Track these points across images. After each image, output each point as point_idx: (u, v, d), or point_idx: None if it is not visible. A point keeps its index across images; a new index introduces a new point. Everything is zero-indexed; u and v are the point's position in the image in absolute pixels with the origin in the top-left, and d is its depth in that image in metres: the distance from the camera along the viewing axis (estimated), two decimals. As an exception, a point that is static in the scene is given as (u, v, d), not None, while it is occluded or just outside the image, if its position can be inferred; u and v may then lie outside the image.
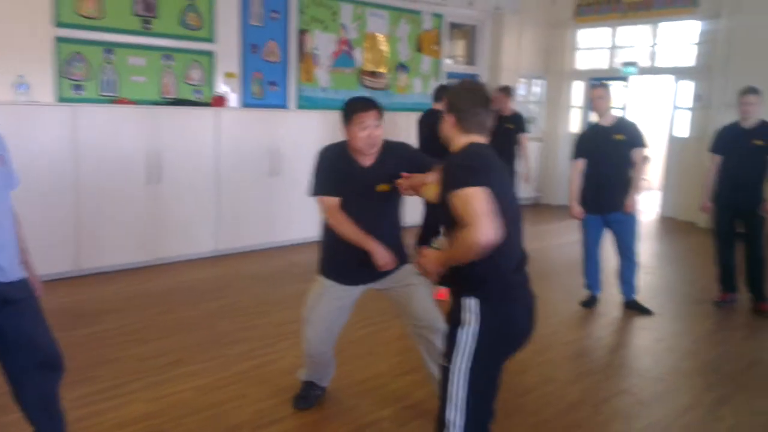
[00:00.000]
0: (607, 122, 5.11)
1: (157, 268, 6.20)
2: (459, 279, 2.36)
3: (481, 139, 2.40)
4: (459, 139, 2.40)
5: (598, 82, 5.38)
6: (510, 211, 2.31)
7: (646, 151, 5.23)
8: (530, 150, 7.16)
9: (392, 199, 3.22)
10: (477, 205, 2.15)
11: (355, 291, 3.29)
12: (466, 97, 2.41)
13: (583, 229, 5.30)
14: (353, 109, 3.07)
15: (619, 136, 5.04)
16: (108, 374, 3.77)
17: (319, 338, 3.31)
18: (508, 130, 6.71)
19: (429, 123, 6.77)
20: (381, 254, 3.05)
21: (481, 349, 2.28)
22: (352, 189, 3.10)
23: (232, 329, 4.59)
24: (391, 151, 3.16)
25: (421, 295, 3.21)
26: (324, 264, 3.33)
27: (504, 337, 2.34)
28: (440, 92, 7.27)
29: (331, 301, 3.26)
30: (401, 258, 3.23)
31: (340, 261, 3.22)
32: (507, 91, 7.00)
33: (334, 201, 3.13)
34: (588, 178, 5.19)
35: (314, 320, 3.29)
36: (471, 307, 2.29)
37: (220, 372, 3.85)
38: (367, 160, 3.13)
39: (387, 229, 3.19)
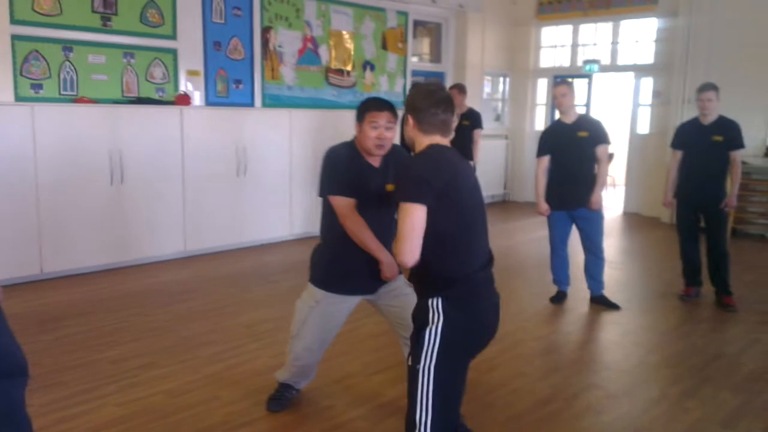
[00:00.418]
0: (570, 119, 5.17)
1: (124, 271, 6.09)
2: (424, 279, 2.37)
3: (442, 139, 2.41)
4: (421, 141, 2.41)
5: (561, 79, 5.43)
6: (473, 210, 2.34)
7: (610, 148, 5.31)
8: (480, 146, 7.32)
9: (393, 204, 3.19)
10: (408, 223, 2.21)
11: (353, 302, 3.21)
12: (424, 98, 2.41)
13: (550, 225, 5.36)
14: (367, 107, 3.06)
15: (583, 133, 5.10)
16: (76, 379, 3.68)
17: (309, 352, 3.23)
18: (464, 126, 6.81)
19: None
20: (391, 266, 3.02)
21: (446, 347, 2.28)
22: (365, 189, 3.02)
23: (202, 331, 4.53)
24: (394, 153, 3.13)
25: (413, 305, 3.17)
26: (321, 273, 3.18)
27: (469, 335, 2.34)
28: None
29: (326, 314, 3.15)
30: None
31: (345, 270, 3.11)
32: (460, 89, 7.12)
33: (350, 202, 3.01)
34: (553, 175, 5.25)
35: (305, 335, 3.19)
36: (436, 306, 2.30)
37: (190, 374, 3.79)
38: (376, 161, 3.09)
39: (388, 234, 3.16)
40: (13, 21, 5.80)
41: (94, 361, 3.96)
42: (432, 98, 2.40)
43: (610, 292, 5.43)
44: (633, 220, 9.48)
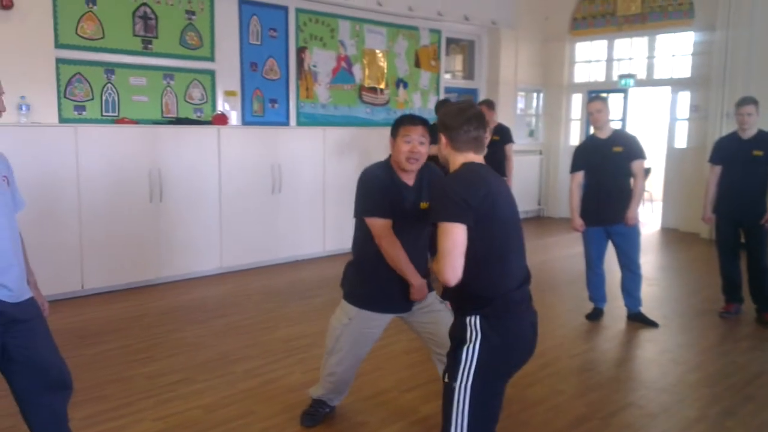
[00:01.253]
0: (604, 135, 5.12)
1: (162, 287, 6.20)
2: (461, 297, 2.36)
3: (476, 157, 2.42)
4: (455, 159, 2.43)
5: (595, 95, 5.40)
6: (509, 227, 2.34)
7: (646, 163, 5.25)
8: (514, 160, 7.31)
9: (426, 222, 3.19)
10: (450, 242, 2.23)
11: (386, 319, 3.23)
12: (455, 115, 2.42)
13: (585, 241, 5.31)
14: (400, 122, 3.13)
15: (618, 148, 5.05)
16: (115, 393, 3.76)
17: (343, 368, 3.26)
18: (494, 141, 6.81)
19: (433, 138, 6.86)
20: (421, 289, 3.08)
21: (483, 365, 2.27)
22: (400, 208, 3.05)
23: (238, 346, 4.59)
24: (427, 170, 3.16)
25: (446, 322, 3.08)
26: (355, 290, 3.22)
27: (506, 354, 2.33)
28: (440, 106, 7.43)
29: (360, 331, 3.19)
30: (428, 285, 3.22)
31: (378, 288, 3.14)
32: (489, 104, 7.13)
33: (386, 222, 3.05)
34: (588, 191, 5.20)
35: (339, 351, 3.22)
36: (473, 324, 2.29)
37: (227, 390, 3.84)
38: (410, 179, 3.12)
39: (421, 253, 3.19)
40: (58, 45, 6.01)
41: (132, 376, 4.03)
42: (463, 115, 2.40)
43: (647, 309, 5.34)
44: (671, 235, 9.31)
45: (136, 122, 6.43)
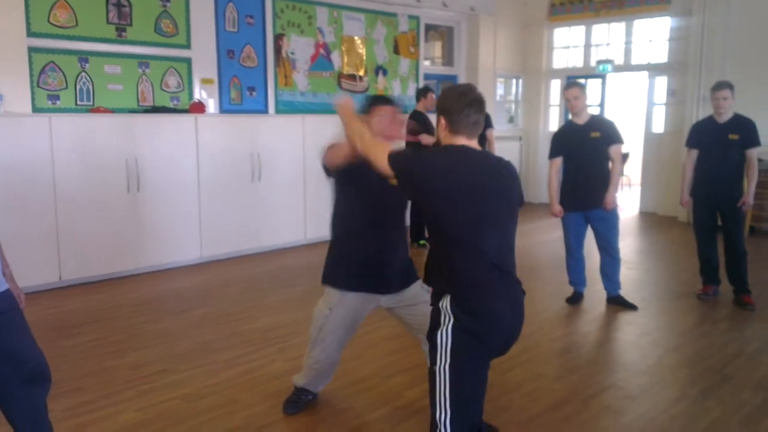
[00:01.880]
0: (582, 120, 5.14)
1: (141, 277, 6.14)
2: (434, 279, 2.41)
3: (468, 141, 2.41)
4: (446, 141, 2.43)
5: (572, 81, 5.42)
6: (485, 213, 2.32)
7: (624, 148, 5.28)
8: (495, 146, 7.38)
9: (402, 204, 3.19)
10: (374, 153, 2.44)
11: (368, 304, 3.18)
12: (457, 99, 2.42)
13: (564, 227, 5.34)
14: (374, 101, 3.18)
15: (595, 134, 5.07)
16: (95, 385, 3.72)
17: (327, 355, 3.23)
18: None
19: (412, 125, 6.85)
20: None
21: (456, 347, 2.29)
22: (367, 186, 2.93)
23: (218, 336, 4.56)
24: None
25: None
26: (334, 272, 3.18)
27: (479, 335, 2.31)
28: (421, 93, 7.41)
29: (343, 317, 3.15)
30: (411, 274, 3.20)
31: (359, 265, 3.10)
32: None
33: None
34: (566, 176, 5.23)
35: (323, 340, 3.19)
36: (445, 307, 2.32)
37: (208, 379, 3.82)
38: None
39: (403, 238, 3.20)
40: (30, 33, 5.89)
41: (112, 367, 3.99)
42: (465, 99, 2.40)
43: (626, 292, 5.40)
44: (649, 219, 9.41)
45: (112, 111, 6.34)
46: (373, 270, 3.10)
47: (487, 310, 2.32)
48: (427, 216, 2.41)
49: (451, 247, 2.33)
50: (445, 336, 2.30)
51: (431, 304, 2.42)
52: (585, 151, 5.09)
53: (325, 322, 3.17)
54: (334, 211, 3.23)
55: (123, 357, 4.17)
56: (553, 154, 5.29)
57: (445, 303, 2.31)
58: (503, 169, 2.46)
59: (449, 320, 2.30)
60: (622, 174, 5.29)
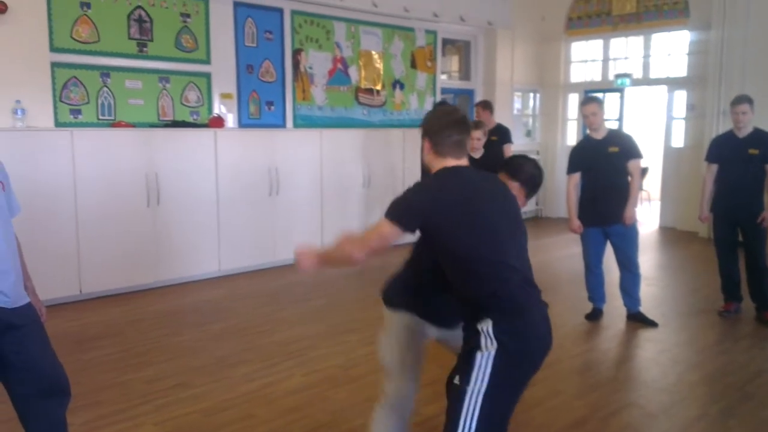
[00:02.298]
0: (600, 135, 5.11)
1: (159, 291, 6.18)
2: (466, 304, 2.33)
3: (457, 161, 2.38)
4: (434, 165, 2.41)
5: (589, 96, 5.38)
6: (497, 228, 2.28)
7: (643, 162, 5.24)
8: None
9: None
10: (375, 234, 2.31)
11: (426, 329, 2.80)
12: (438, 120, 2.42)
13: (584, 242, 5.30)
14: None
15: (614, 149, 5.04)
16: (114, 398, 3.74)
17: (402, 387, 2.82)
18: (493, 142, 6.78)
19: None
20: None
21: (499, 376, 2.20)
22: None
23: (236, 350, 4.57)
24: None
25: None
26: (398, 297, 2.83)
27: (525, 357, 2.27)
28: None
29: (400, 335, 2.79)
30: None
31: (425, 299, 2.74)
32: (485, 105, 7.13)
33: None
34: (585, 192, 5.20)
35: (394, 366, 2.80)
36: (487, 332, 2.22)
37: (225, 393, 3.82)
38: None
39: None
40: (53, 49, 5.98)
41: (130, 381, 4.02)
42: (445, 119, 2.40)
43: (646, 308, 5.34)
44: (669, 234, 9.32)
45: (133, 125, 6.41)
46: (438, 305, 2.72)
47: (530, 326, 2.27)
48: (442, 250, 2.29)
49: (474, 270, 2.25)
50: (485, 361, 2.21)
51: (464, 328, 2.34)
52: (603, 166, 5.05)
53: (390, 341, 2.85)
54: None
55: (141, 370, 4.19)
56: (571, 170, 5.27)
57: (486, 327, 2.22)
58: (496, 184, 2.48)
59: (492, 345, 2.20)
60: (641, 189, 5.24)
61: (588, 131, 5.30)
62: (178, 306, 5.74)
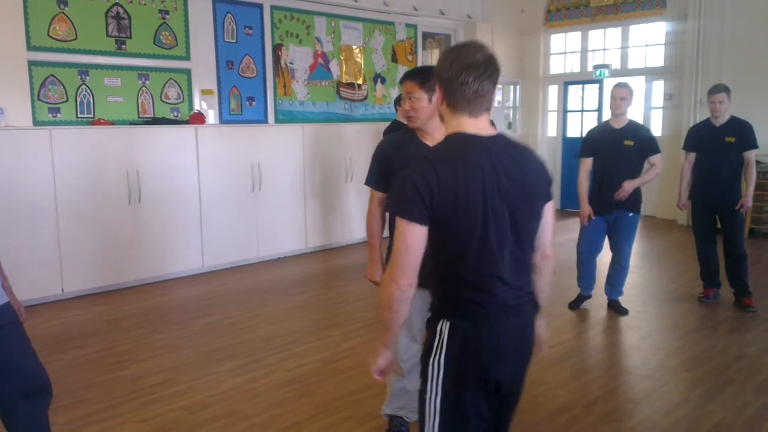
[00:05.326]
0: (619, 125, 5.05)
1: (142, 288, 6.15)
2: (434, 293, 2.00)
3: (471, 121, 1.85)
4: (447, 123, 1.90)
5: (624, 82, 5.24)
6: (490, 221, 1.84)
7: (659, 157, 5.10)
8: None
9: None
10: (401, 245, 1.82)
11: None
12: (453, 61, 1.83)
13: (583, 228, 5.23)
14: (402, 78, 2.91)
15: (629, 142, 4.97)
16: (97, 397, 3.73)
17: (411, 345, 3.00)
18: None
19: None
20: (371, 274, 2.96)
21: (449, 378, 1.90)
22: None
23: (220, 346, 4.57)
24: None
25: None
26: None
27: (467, 363, 1.90)
28: (399, 101, 6.95)
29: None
30: None
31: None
32: None
33: (378, 195, 3.01)
34: (593, 179, 5.16)
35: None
36: (441, 331, 1.90)
37: (209, 390, 3.82)
38: (432, 140, 2.79)
39: None
40: (30, 47, 5.92)
41: (114, 379, 4.00)
42: (462, 62, 1.81)
43: (627, 296, 5.41)
44: (649, 222, 9.41)
45: (113, 123, 6.36)
46: None
47: (477, 335, 1.89)
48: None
49: (445, 262, 1.90)
50: (437, 367, 1.91)
51: (427, 328, 2.02)
52: (613, 156, 4.98)
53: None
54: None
55: (125, 368, 4.17)
56: (583, 154, 5.20)
57: (443, 326, 1.91)
58: (521, 157, 1.91)
59: (442, 349, 1.90)
60: (650, 179, 5.15)
61: (609, 118, 5.22)
62: (161, 303, 5.72)
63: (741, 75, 8.01)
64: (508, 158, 1.87)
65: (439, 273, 1.93)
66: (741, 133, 5.15)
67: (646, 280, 6.38)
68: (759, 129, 5.30)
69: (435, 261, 1.91)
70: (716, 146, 5.20)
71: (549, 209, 2.04)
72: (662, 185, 9.31)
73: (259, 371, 4.10)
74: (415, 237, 1.80)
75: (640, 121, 9.97)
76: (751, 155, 5.16)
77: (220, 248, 6.81)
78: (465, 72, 1.80)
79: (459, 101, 1.84)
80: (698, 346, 4.49)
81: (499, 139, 1.90)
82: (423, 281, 1.90)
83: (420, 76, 2.85)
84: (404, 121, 2.99)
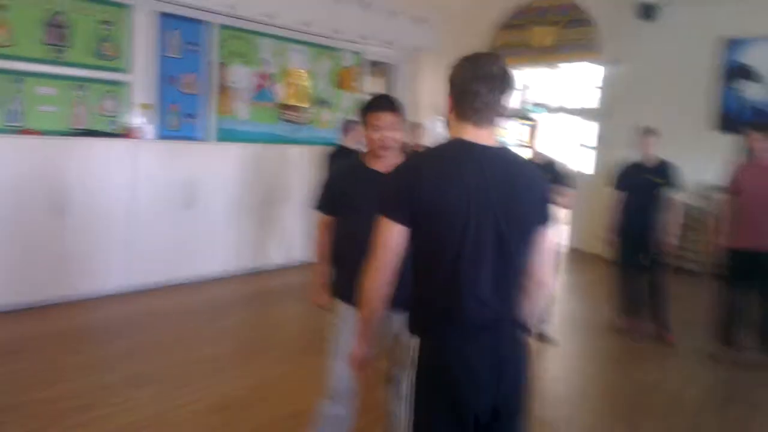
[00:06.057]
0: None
1: (64, 307, 5.90)
2: (410, 308, 1.95)
3: (476, 131, 1.84)
4: (451, 130, 1.91)
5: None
6: (472, 237, 1.79)
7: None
8: None
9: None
10: (378, 240, 1.86)
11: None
12: (464, 70, 1.87)
13: None
14: (367, 108, 2.83)
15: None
16: (13, 420, 3.56)
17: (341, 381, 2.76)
18: None
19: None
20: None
21: (420, 399, 1.84)
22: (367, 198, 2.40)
23: (144, 370, 4.43)
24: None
25: None
26: (333, 284, 2.89)
27: (438, 387, 1.83)
28: (348, 126, 6.83)
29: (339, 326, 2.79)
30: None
31: (345, 277, 2.74)
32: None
33: (324, 218, 2.97)
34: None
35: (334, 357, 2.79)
36: (414, 351, 1.87)
37: (130, 416, 3.70)
38: (383, 166, 2.75)
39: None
40: (-40, 50, 5.70)
41: (31, 402, 3.83)
42: (472, 72, 1.86)
43: (551, 326, 5.53)
44: (576, 255, 9.69)
45: (41, 133, 6.15)
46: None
47: (445, 356, 1.82)
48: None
49: (426, 276, 1.86)
50: (407, 388, 1.88)
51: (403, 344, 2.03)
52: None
53: (334, 335, 2.85)
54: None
55: (43, 391, 4.00)
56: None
57: (415, 344, 1.88)
58: (519, 174, 1.86)
59: (414, 370, 1.86)
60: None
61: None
62: (85, 322, 5.52)
63: (669, 117, 8.38)
64: (503, 173, 1.83)
65: (414, 283, 1.91)
66: (668, 174, 5.44)
67: (569, 311, 6.54)
68: (684, 170, 5.60)
69: (413, 270, 1.90)
70: (645, 186, 5.45)
71: (546, 235, 1.97)
72: (589, 221, 9.62)
73: (185, 397, 4.00)
74: (392, 235, 1.82)
75: (574, 160, 10.39)
76: (676, 196, 5.44)
77: (149, 266, 6.62)
78: (477, 82, 1.83)
79: (467, 110, 1.85)
80: (617, 377, 4.66)
81: (499, 152, 1.87)
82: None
83: (398, 107, 2.83)
84: (353, 147, 3.02)
